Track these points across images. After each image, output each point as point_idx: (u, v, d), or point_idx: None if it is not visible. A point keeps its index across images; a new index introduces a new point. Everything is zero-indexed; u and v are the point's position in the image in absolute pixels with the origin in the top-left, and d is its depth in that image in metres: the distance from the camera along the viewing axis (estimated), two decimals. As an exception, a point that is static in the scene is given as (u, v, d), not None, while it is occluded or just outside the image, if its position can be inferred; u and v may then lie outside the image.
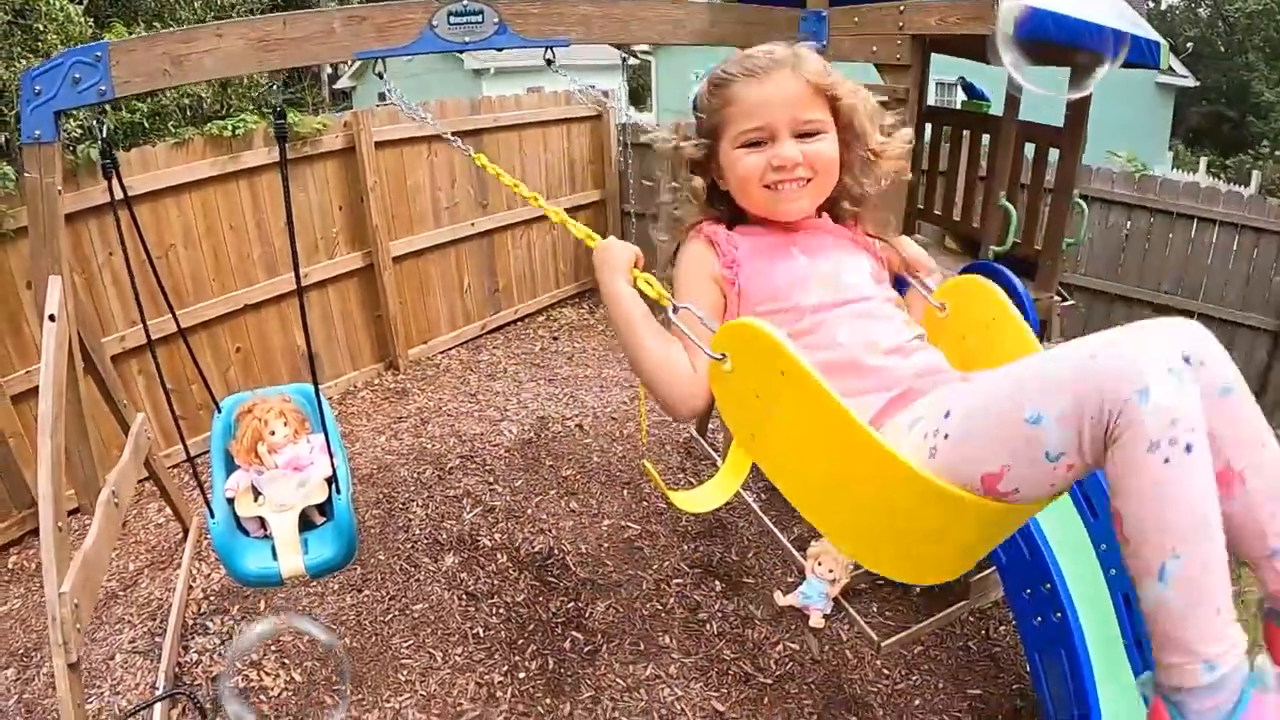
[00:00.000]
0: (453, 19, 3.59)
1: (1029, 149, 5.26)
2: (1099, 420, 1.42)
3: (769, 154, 2.01)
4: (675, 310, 1.95)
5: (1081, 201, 5.16)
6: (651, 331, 1.95)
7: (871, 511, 1.75)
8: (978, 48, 5.41)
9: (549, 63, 3.52)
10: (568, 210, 8.24)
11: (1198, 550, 1.41)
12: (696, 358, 1.89)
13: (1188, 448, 1.38)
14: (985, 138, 5.48)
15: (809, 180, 2.04)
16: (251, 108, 8.89)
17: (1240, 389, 1.56)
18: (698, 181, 2.21)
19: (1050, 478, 1.54)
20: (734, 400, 1.88)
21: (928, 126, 5.94)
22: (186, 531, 5.50)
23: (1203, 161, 24.33)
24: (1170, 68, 20.75)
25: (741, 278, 2.04)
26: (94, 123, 3.60)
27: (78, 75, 3.31)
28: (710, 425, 6.96)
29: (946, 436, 1.64)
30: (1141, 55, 4.44)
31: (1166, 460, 1.38)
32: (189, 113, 8.89)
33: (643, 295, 2.03)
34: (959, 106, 6.34)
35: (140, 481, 5.67)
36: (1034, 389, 1.52)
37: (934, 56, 5.60)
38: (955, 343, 2.23)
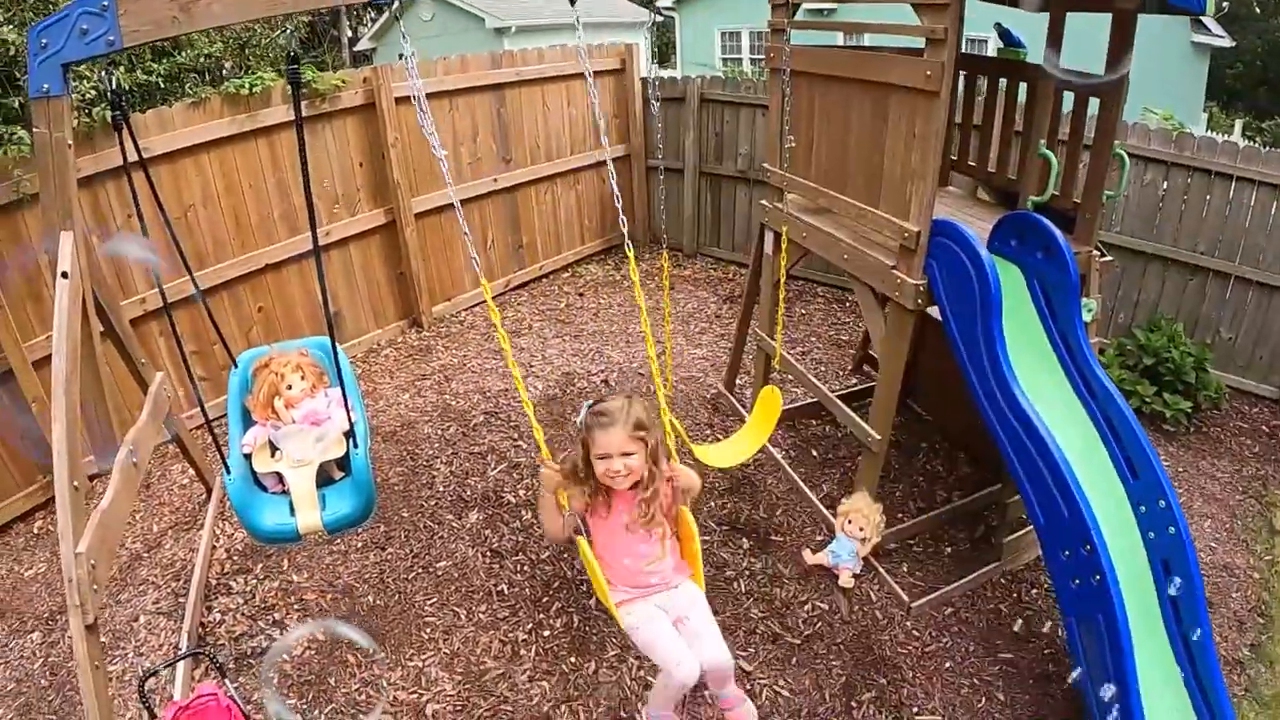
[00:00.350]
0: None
1: (1068, 99, 5.11)
2: None
3: (608, 465, 3.28)
4: (569, 514, 3.48)
5: (1123, 154, 4.99)
6: (550, 511, 3.48)
7: None
8: (1015, -8, 5.27)
9: (572, 3, 3.37)
10: (592, 165, 8.10)
11: None
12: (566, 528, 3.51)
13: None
14: (1022, 88, 5.33)
15: (627, 475, 3.30)
16: (269, 67, 8.78)
17: (737, 701, 3.63)
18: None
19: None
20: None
21: (960, 75, 5.78)
22: (209, 492, 5.47)
23: (1238, 124, 23.81)
24: (1206, 26, 20.28)
25: (589, 518, 3.50)
26: (102, 74, 3.51)
27: (85, 26, 3.23)
28: (738, 380, 6.87)
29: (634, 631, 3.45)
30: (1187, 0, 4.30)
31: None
32: (207, 75, 8.79)
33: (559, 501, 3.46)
34: (995, 54, 6.17)
35: (164, 443, 5.65)
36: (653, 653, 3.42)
37: (969, 7, 5.44)
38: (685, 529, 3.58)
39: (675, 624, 3.46)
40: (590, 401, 3.50)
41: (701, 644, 3.40)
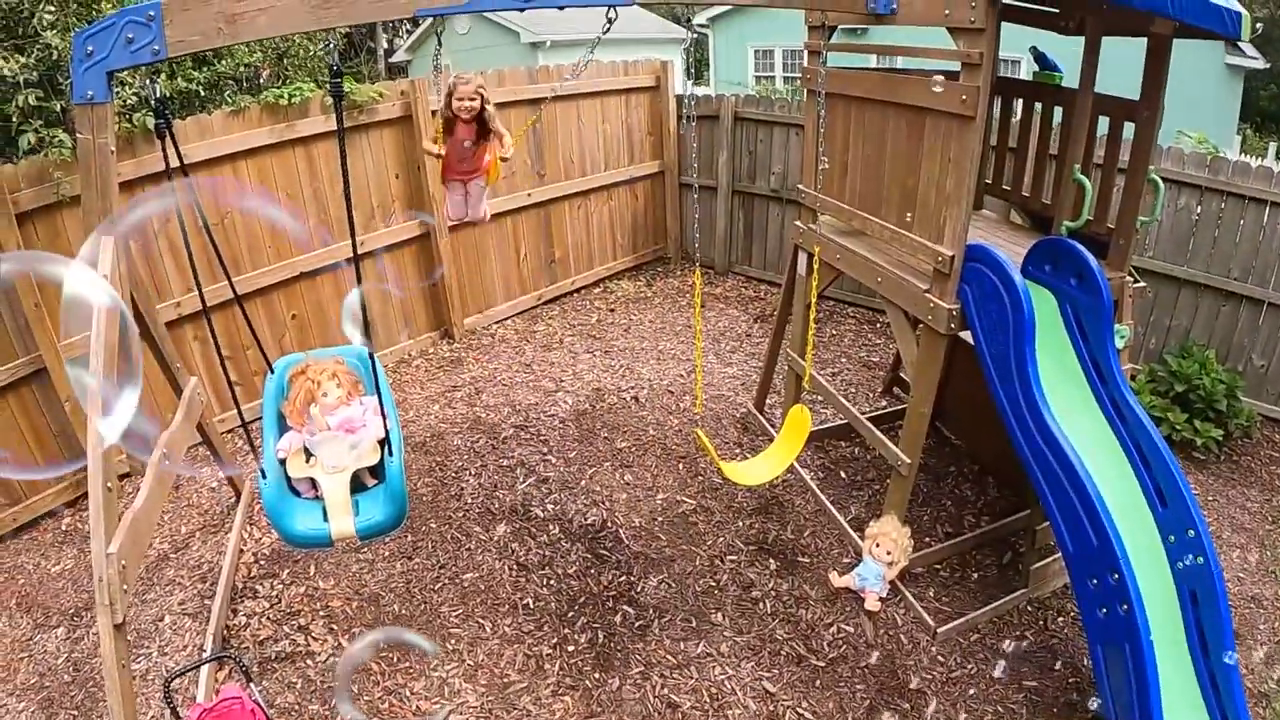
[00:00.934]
0: (513, -25, 3.49)
1: (1102, 124, 5.09)
2: None
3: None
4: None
5: (1158, 179, 4.97)
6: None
7: None
8: (1051, 17, 5.25)
9: (610, 21, 3.40)
10: (625, 181, 8.14)
11: None
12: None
13: None
14: (1057, 111, 5.31)
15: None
16: (308, 77, 8.87)
17: None
18: None
19: None
20: None
21: (997, 99, 5.77)
22: (238, 495, 5.50)
23: (1272, 146, 23.60)
24: (1240, 49, 20.14)
25: None
26: (147, 82, 3.56)
27: (131, 35, 3.27)
28: (769, 401, 6.86)
29: None
30: (1222, 24, 4.25)
31: None
32: (245, 84, 8.87)
33: None
34: (1030, 78, 6.15)
35: (194, 446, 5.70)
36: None
37: (1004, 29, 5.44)
38: None
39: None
40: None
41: None
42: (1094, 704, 3.85)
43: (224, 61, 8.24)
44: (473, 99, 4.75)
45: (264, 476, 3.88)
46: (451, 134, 4.92)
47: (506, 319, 8.86)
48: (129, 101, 5.97)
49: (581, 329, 8.78)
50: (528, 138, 8.57)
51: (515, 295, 9.00)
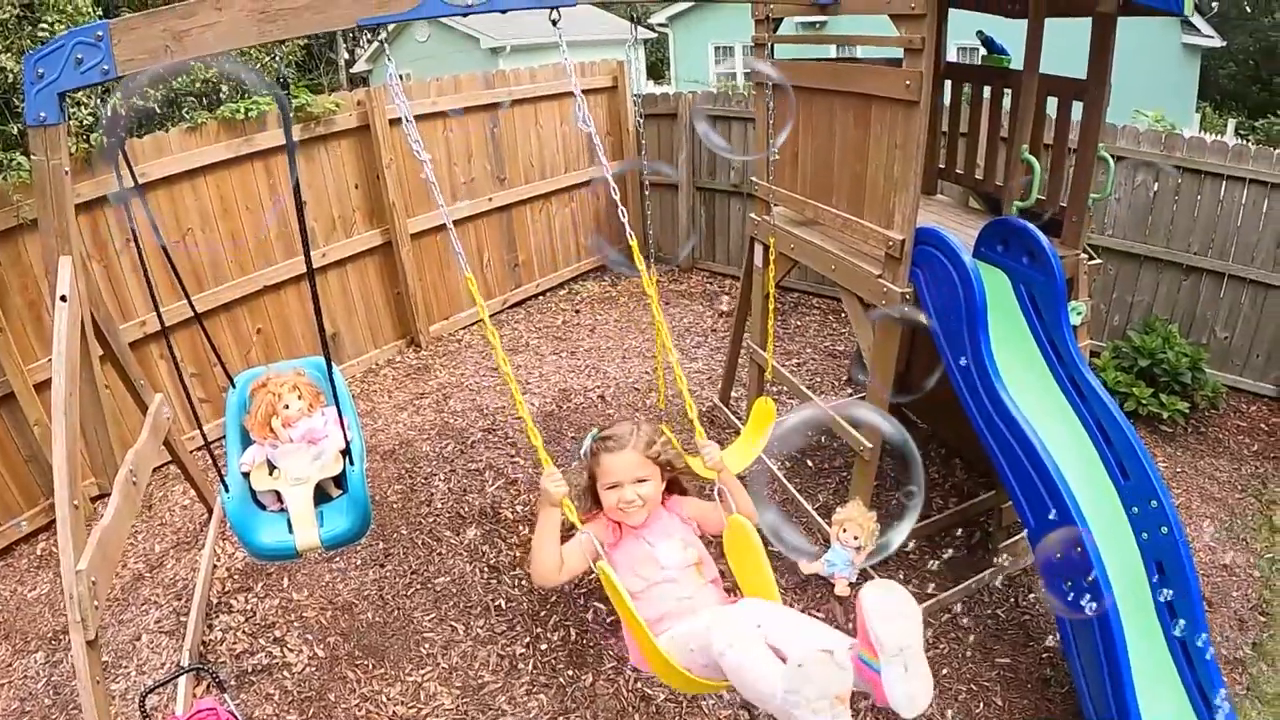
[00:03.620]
0: (455, -17, 3.52)
1: (1051, 104, 5.15)
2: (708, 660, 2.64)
3: (619, 494, 3.12)
4: (582, 535, 2.99)
5: (1108, 157, 5.03)
6: (550, 536, 3.02)
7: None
8: (997, 1, 5.32)
9: (554, 23, 3.43)
10: (586, 183, 8.14)
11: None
12: (574, 560, 3.02)
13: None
14: (1007, 94, 5.37)
15: (641, 506, 3.13)
16: (265, 91, 8.86)
17: None
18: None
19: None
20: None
21: (947, 84, 5.83)
22: (210, 512, 5.51)
23: (1230, 124, 23.85)
24: (1195, 27, 20.36)
25: (614, 555, 3.11)
26: (98, 103, 3.58)
27: (80, 55, 3.28)
28: (734, 394, 6.91)
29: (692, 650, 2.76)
30: (1165, 1, 4.33)
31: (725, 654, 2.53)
32: (204, 100, 8.87)
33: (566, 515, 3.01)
34: (980, 62, 6.22)
35: (165, 465, 5.70)
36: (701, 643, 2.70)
37: (955, 16, 5.49)
38: (735, 552, 3.35)
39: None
40: (595, 431, 3.39)
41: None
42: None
43: (180, 77, 8.23)
44: (640, 478, 3.14)
45: (227, 490, 3.89)
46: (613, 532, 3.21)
47: (472, 324, 8.88)
48: (85, 122, 5.97)
49: (547, 331, 8.81)
50: (487, 142, 8.59)
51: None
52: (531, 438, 3.12)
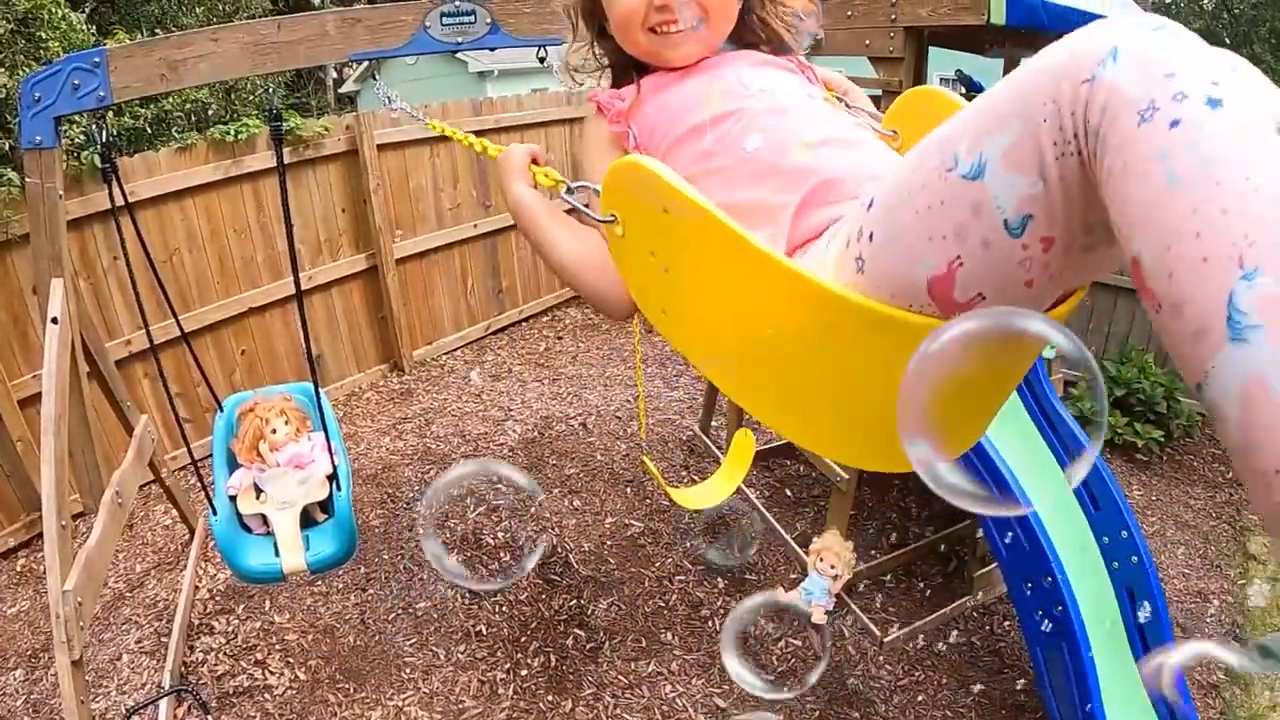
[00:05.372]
0: (445, 20, 3.61)
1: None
2: (1066, 132, 0.94)
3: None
4: (568, 191, 1.65)
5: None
6: (562, 226, 1.70)
7: (812, 369, 1.32)
8: (974, 41, 5.43)
9: (541, 60, 3.53)
10: (573, 209, 8.27)
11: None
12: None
13: (1211, 101, 0.84)
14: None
15: (700, 22, 1.68)
16: (255, 113, 8.93)
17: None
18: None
19: (1024, 267, 1.04)
20: (637, 271, 1.59)
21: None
22: (192, 533, 5.53)
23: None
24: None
25: (635, 124, 1.72)
26: (93, 127, 3.63)
27: (77, 81, 3.34)
28: (714, 424, 6.97)
29: (872, 237, 1.17)
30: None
31: (1175, 123, 0.84)
32: (194, 119, 8.94)
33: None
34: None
35: (147, 485, 5.71)
36: (967, 133, 1.04)
37: (935, 53, 5.60)
38: None
39: None
40: None
41: None
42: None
43: (171, 99, 8.29)
44: None
45: (215, 513, 3.94)
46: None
47: (455, 349, 8.92)
48: (76, 140, 6.01)
49: (530, 358, 8.85)
50: (473, 169, 8.66)
51: (464, 326, 9.06)
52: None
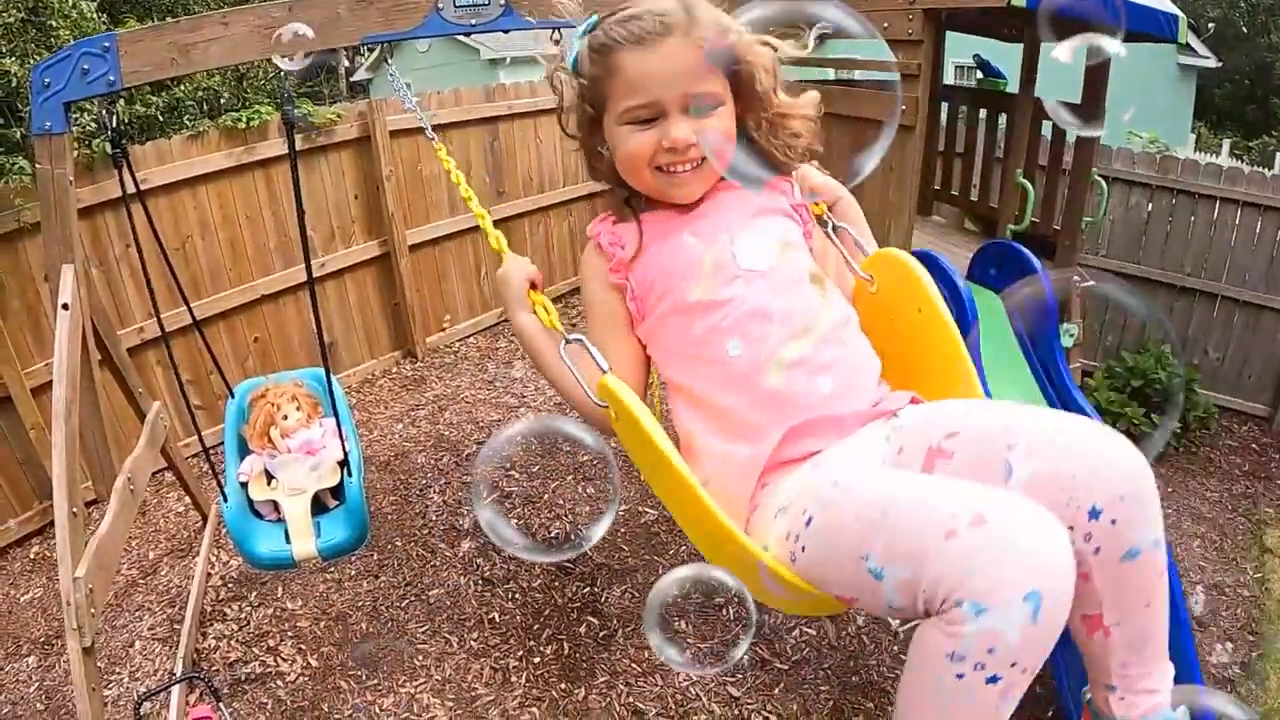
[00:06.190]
0: (459, 2, 3.57)
1: (1046, 127, 5.21)
2: (931, 598, 1.31)
3: (658, 134, 1.79)
4: (566, 343, 1.87)
5: (1102, 180, 5.09)
6: (559, 359, 1.90)
7: (748, 574, 1.69)
8: (994, 25, 5.38)
9: (556, 44, 3.49)
10: (584, 197, 8.16)
11: None
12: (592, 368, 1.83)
13: (992, 679, 1.27)
14: (1002, 117, 5.44)
15: (703, 160, 1.82)
16: (267, 100, 8.91)
17: (1150, 550, 1.57)
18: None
19: (897, 613, 1.52)
20: (625, 442, 1.86)
21: (944, 105, 5.89)
22: (205, 520, 5.53)
23: (1225, 144, 24.00)
24: (1192, 48, 20.53)
25: (633, 278, 1.96)
26: (103, 113, 3.62)
27: (86, 66, 3.32)
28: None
29: (804, 549, 1.58)
30: (1159, 28, 4.38)
31: (960, 676, 1.28)
32: (205, 106, 8.91)
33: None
34: (975, 85, 6.29)
35: (159, 471, 5.71)
36: (882, 543, 1.41)
37: (951, 37, 5.55)
38: (886, 324, 2.06)
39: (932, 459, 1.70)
40: (592, 17, 1.94)
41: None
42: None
43: (183, 86, 8.27)
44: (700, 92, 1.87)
45: (226, 499, 3.93)
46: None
47: (468, 336, 8.90)
48: (88, 127, 6.00)
49: (545, 344, 8.79)
50: (486, 156, 8.63)
51: (477, 313, 9.04)
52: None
